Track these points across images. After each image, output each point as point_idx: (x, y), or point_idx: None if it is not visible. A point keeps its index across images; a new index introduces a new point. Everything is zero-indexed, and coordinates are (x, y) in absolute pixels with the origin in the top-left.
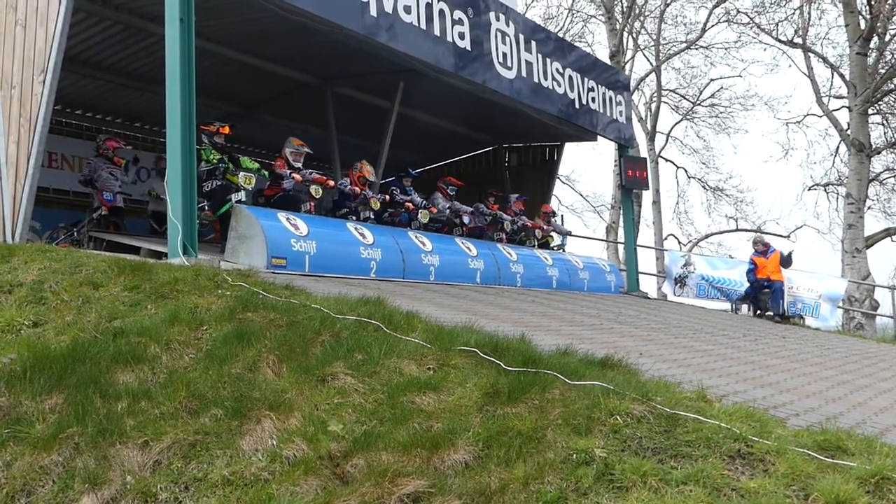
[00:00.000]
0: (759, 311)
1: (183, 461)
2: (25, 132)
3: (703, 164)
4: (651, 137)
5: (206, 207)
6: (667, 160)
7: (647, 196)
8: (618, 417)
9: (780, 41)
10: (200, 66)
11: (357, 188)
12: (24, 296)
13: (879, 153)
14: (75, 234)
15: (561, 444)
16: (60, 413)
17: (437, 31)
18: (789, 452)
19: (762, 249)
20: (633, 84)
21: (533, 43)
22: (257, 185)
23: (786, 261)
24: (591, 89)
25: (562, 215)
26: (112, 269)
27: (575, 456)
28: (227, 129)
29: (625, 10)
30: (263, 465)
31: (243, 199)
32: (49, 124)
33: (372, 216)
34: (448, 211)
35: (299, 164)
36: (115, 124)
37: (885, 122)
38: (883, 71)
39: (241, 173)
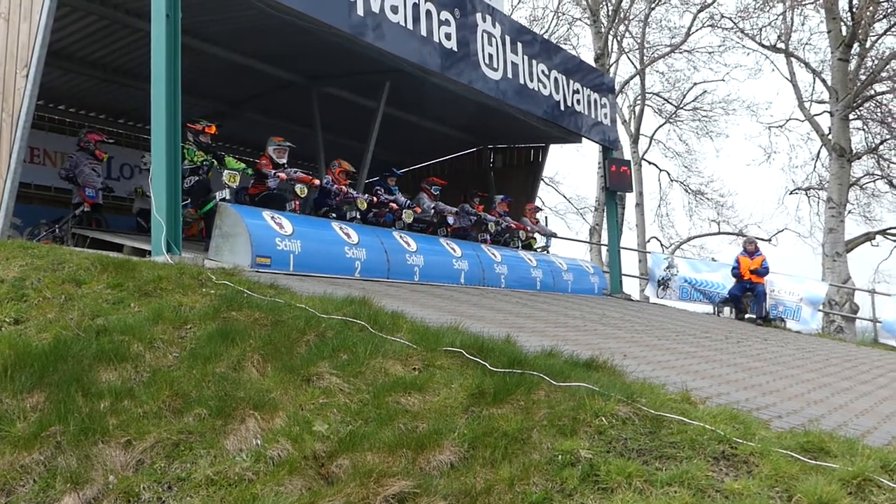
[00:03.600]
0: (740, 314)
1: (166, 461)
2: (8, 127)
3: (686, 167)
4: (634, 140)
5: (188, 205)
6: (650, 163)
7: (629, 199)
8: (603, 419)
9: (763, 46)
10: (186, 64)
11: (343, 187)
12: (5, 293)
13: (860, 158)
14: (56, 230)
15: (546, 445)
16: (42, 411)
17: (423, 32)
18: (773, 454)
19: (751, 249)
20: (617, 87)
21: (519, 44)
22: (242, 183)
23: (761, 271)
24: (577, 91)
25: (546, 217)
26: (95, 267)
27: (560, 457)
28: (213, 129)
29: (610, 13)
30: (248, 465)
31: (228, 197)
32: (32, 119)
33: (358, 216)
34: (433, 211)
35: (284, 161)
36: (98, 120)
37: (865, 127)
38: (864, 76)
39: (226, 171)
